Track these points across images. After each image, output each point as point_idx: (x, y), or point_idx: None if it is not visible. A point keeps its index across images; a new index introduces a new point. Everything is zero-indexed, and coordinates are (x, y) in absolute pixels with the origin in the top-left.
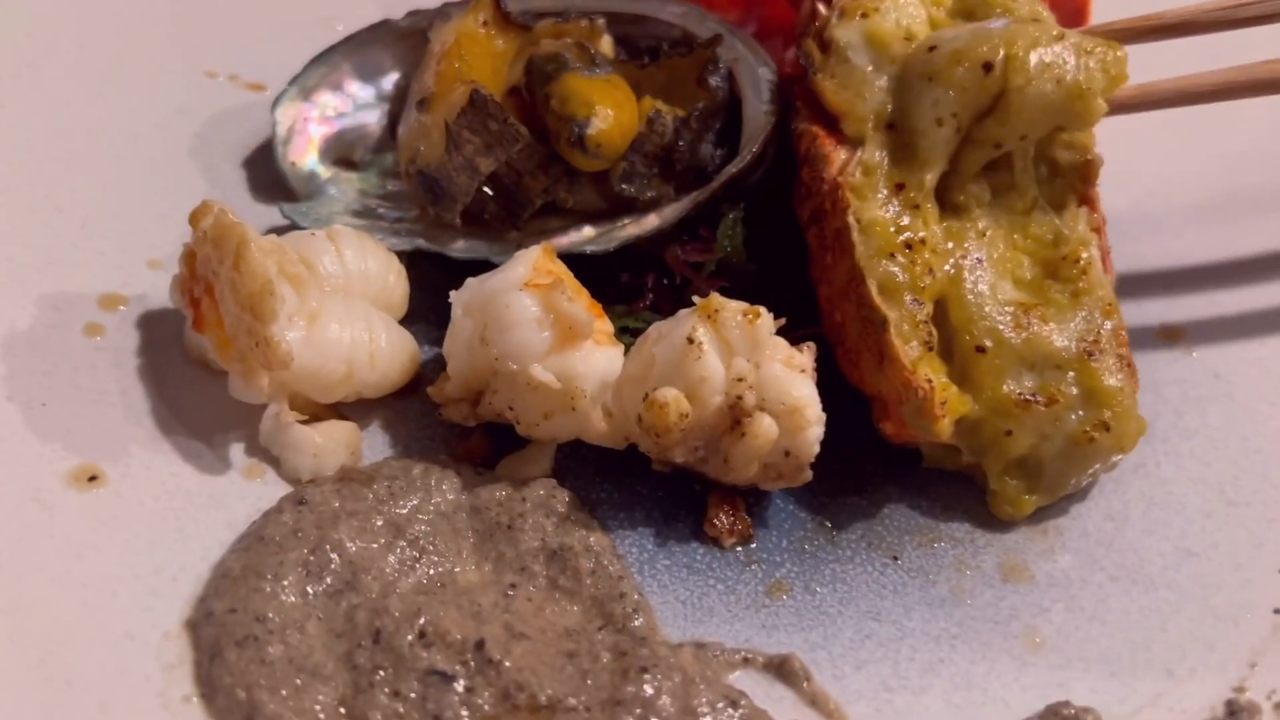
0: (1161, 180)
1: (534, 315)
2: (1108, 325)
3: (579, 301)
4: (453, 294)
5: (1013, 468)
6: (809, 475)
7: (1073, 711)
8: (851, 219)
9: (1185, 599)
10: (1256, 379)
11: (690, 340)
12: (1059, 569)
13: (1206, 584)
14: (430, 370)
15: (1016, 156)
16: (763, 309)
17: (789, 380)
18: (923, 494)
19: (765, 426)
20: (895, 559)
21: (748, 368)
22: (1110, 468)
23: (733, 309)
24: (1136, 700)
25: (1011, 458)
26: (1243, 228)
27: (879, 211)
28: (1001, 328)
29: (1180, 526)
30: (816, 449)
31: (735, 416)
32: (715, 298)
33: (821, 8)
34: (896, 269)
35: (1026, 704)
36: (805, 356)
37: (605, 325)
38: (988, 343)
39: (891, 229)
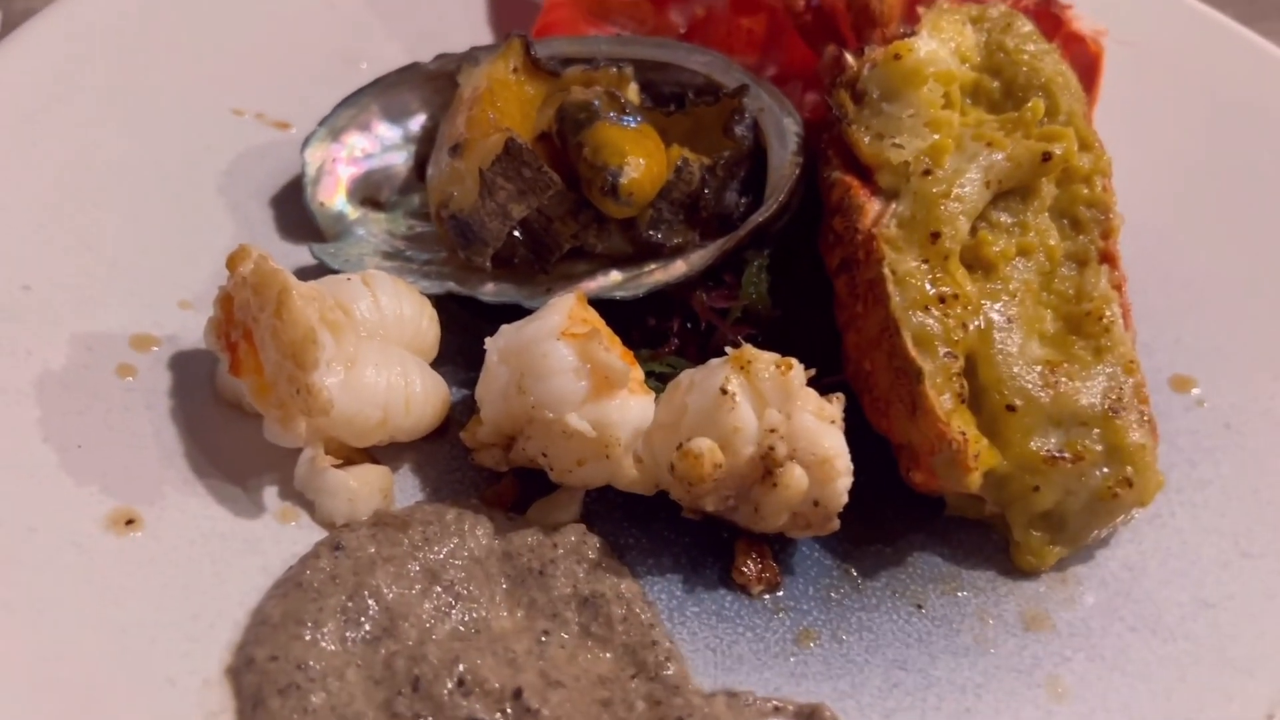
0: (1171, 230)
1: (571, 364)
2: (1130, 382)
3: (614, 351)
4: (488, 340)
5: (1037, 520)
6: (836, 524)
7: None
8: (887, 270)
9: (1202, 649)
10: (1267, 430)
11: (724, 391)
12: (1079, 618)
13: (1223, 635)
14: (459, 412)
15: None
16: (795, 361)
17: (820, 431)
18: (945, 542)
19: (796, 477)
20: (919, 607)
21: (780, 419)
22: (1128, 520)
23: (766, 360)
24: None
25: (1037, 512)
26: (1251, 279)
27: (914, 264)
28: (1030, 387)
29: (1196, 577)
30: (845, 499)
31: (767, 467)
32: (748, 349)
33: (849, 57)
34: (931, 321)
35: None
36: (835, 408)
37: (638, 374)
38: (1018, 402)
39: (926, 282)
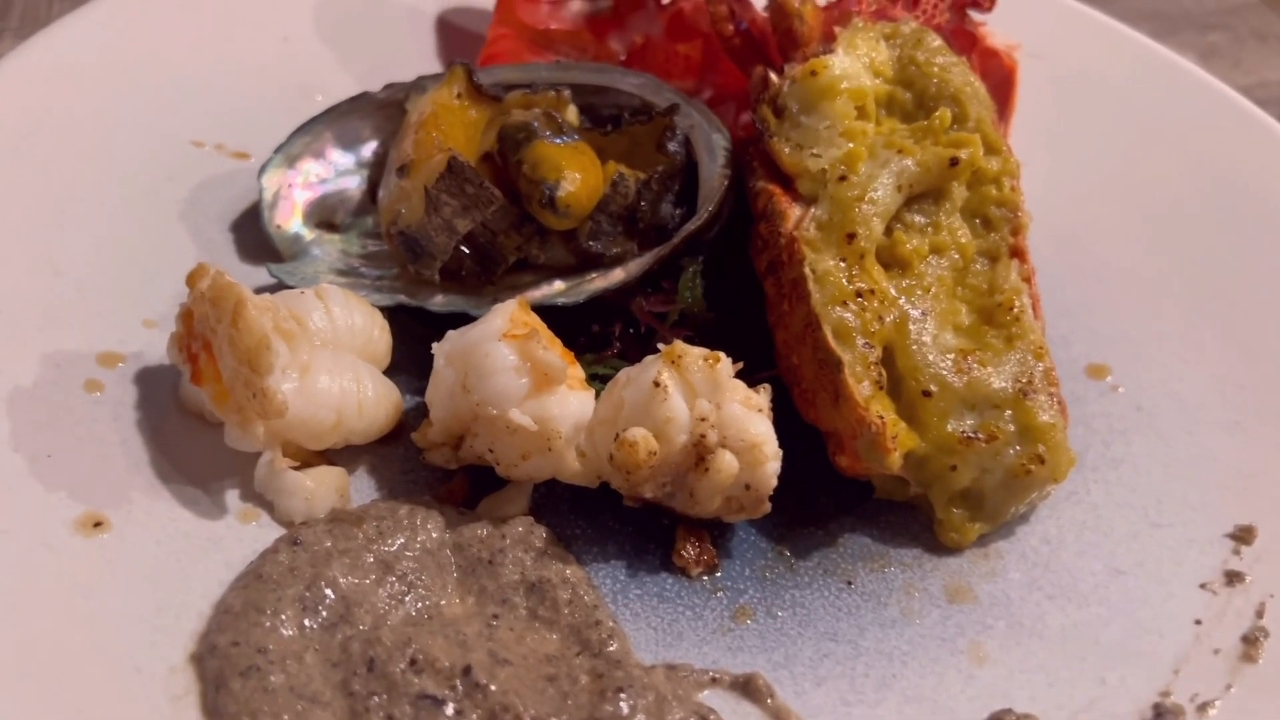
0: (1087, 230)
1: (512, 363)
2: (1040, 367)
3: (553, 350)
4: (435, 345)
5: (957, 498)
6: (768, 507)
7: (1014, 718)
8: (808, 269)
9: (1115, 613)
10: (1175, 411)
11: (656, 384)
12: (1000, 590)
13: (1134, 599)
14: (413, 418)
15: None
16: (722, 354)
17: (747, 419)
18: (874, 524)
19: (727, 462)
20: (849, 584)
21: (709, 408)
22: (1044, 496)
23: (694, 355)
24: (1073, 706)
25: (956, 490)
26: (1160, 274)
27: (831, 263)
28: (944, 373)
29: (1109, 548)
30: (774, 482)
31: (699, 454)
32: (678, 345)
33: (773, 76)
34: (849, 315)
35: (973, 713)
36: (762, 397)
37: (578, 372)
38: (933, 387)
39: (844, 279)
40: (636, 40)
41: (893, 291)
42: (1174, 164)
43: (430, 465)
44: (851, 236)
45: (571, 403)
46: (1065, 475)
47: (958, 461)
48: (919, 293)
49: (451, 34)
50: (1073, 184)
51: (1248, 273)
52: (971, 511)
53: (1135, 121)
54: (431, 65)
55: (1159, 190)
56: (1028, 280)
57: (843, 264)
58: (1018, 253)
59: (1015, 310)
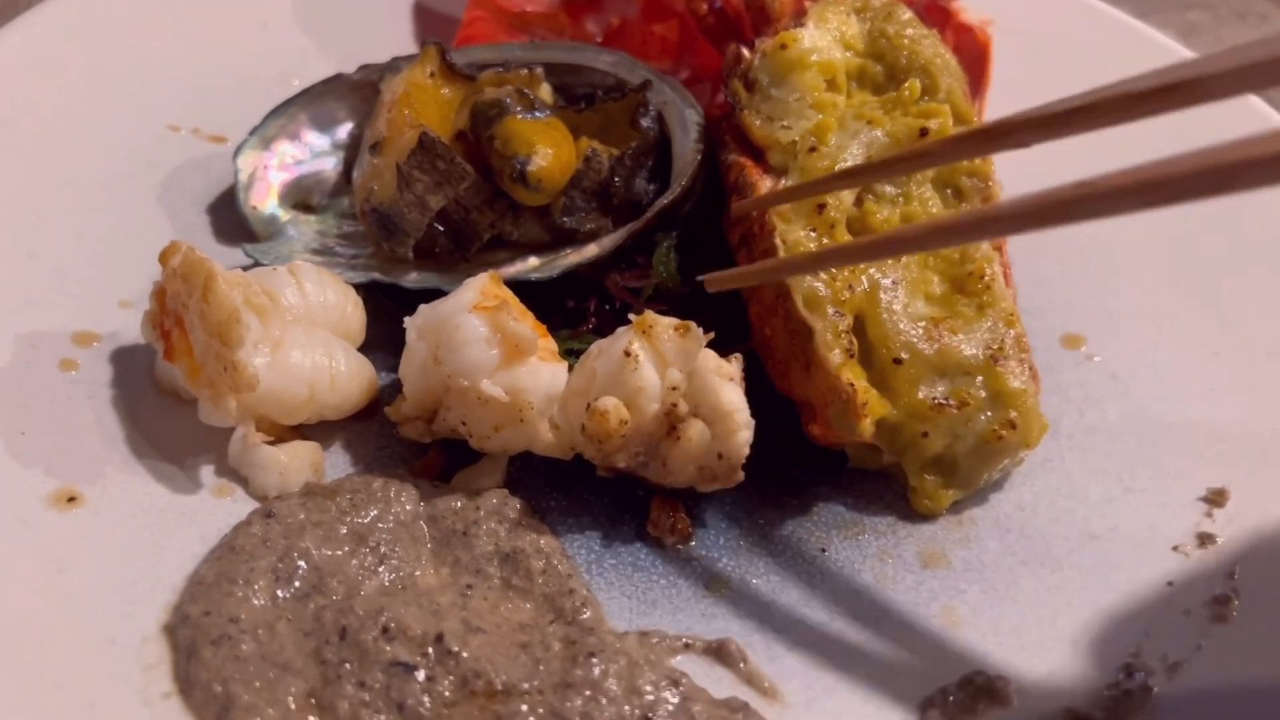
0: None
1: (482, 335)
2: (1010, 334)
3: (525, 322)
4: (407, 320)
5: (930, 465)
6: (741, 476)
7: (986, 679)
8: (778, 240)
9: (1088, 577)
10: (1149, 379)
11: (627, 354)
12: (974, 555)
13: (1107, 563)
14: (388, 394)
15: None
16: (693, 324)
17: (719, 388)
18: (848, 493)
19: (698, 430)
20: (823, 551)
21: (680, 377)
22: (1018, 463)
23: (665, 324)
24: (1045, 667)
25: (928, 456)
26: (1135, 245)
27: (802, 233)
28: (915, 340)
29: (1084, 513)
30: (746, 451)
31: (671, 423)
32: (649, 315)
33: (745, 51)
34: (819, 284)
35: (945, 675)
36: (733, 366)
37: (549, 344)
38: (904, 355)
39: (813, 248)
40: (613, 22)
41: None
42: (1151, 139)
43: (405, 440)
44: (821, 207)
45: (543, 374)
46: (1038, 441)
47: (929, 428)
48: (890, 262)
49: (429, 19)
50: (1049, 160)
51: (1223, 245)
52: (945, 478)
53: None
54: (408, 50)
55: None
56: (999, 249)
57: (813, 234)
58: None
59: (986, 278)
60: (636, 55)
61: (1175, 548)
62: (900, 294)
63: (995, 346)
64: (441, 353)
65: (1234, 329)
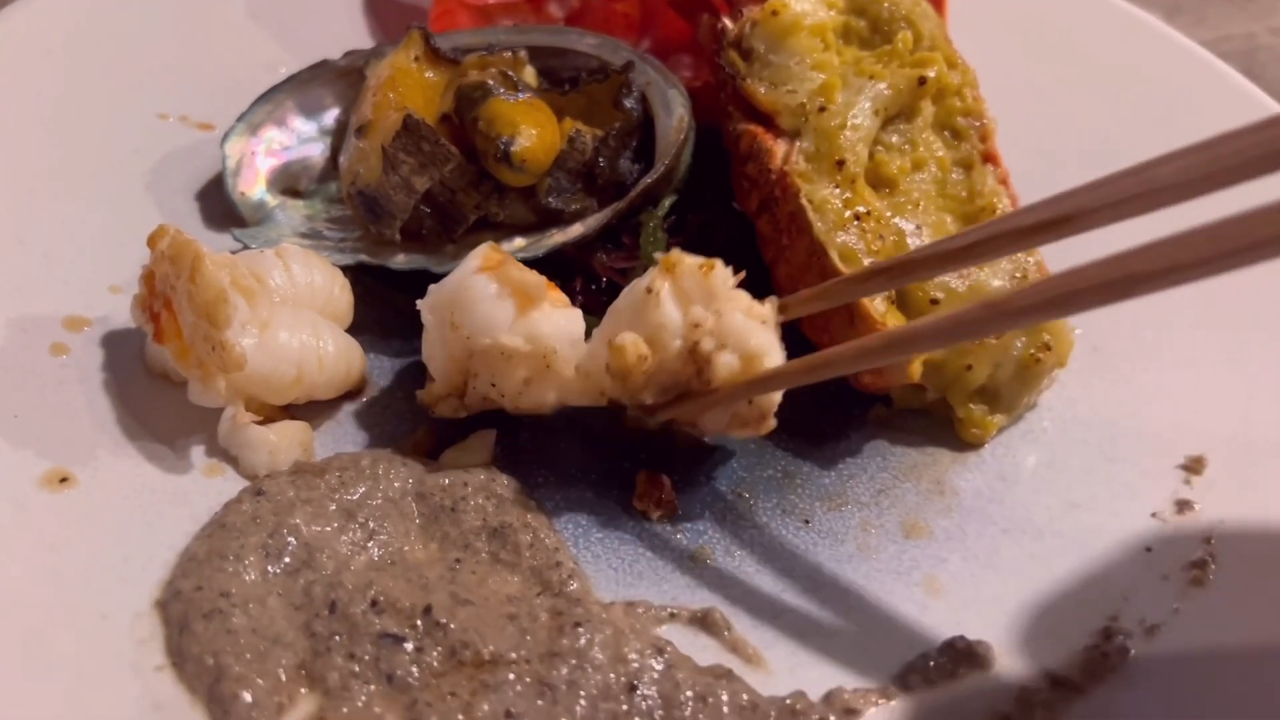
0: (1045, 181)
1: (492, 291)
2: (1031, 261)
3: (529, 271)
4: (419, 302)
5: (975, 396)
6: (773, 423)
7: (967, 644)
8: (804, 200)
9: (1069, 544)
10: (1130, 351)
11: (649, 290)
12: (955, 525)
13: (1087, 530)
14: (375, 376)
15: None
16: (719, 261)
17: (748, 329)
18: (832, 466)
19: (724, 362)
20: (807, 522)
21: (704, 314)
22: (1052, 382)
23: (690, 263)
24: (1026, 632)
25: (973, 388)
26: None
27: (826, 191)
28: (948, 279)
29: (1065, 483)
30: (778, 397)
31: (696, 362)
32: (675, 252)
33: (728, 22)
34: (851, 238)
35: (926, 641)
36: (767, 309)
37: (558, 295)
38: (939, 295)
39: (840, 204)
40: (574, 3)
41: (887, 211)
42: (1138, 117)
43: (395, 420)
44: (841, 163)
45: (558, 319)
46: (1069, 358)
47: (973, 361)
48: (909, 208)
49: (409, 11)
50: (1035, 138)
51: (1204, 216)
52: (990, 405)
53: (1100, 76)
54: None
55: (1122, 143)
56: (1004, 182)
57: (837, 190)
58: (990, 157)
59: (998, 212)
60: (600, 29)
61: (1154, 514)
62: (924, 238)
63: (1020, 275)
64: (457, 317)
65: (1213, 299)
